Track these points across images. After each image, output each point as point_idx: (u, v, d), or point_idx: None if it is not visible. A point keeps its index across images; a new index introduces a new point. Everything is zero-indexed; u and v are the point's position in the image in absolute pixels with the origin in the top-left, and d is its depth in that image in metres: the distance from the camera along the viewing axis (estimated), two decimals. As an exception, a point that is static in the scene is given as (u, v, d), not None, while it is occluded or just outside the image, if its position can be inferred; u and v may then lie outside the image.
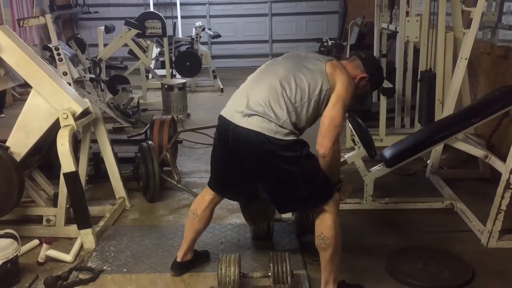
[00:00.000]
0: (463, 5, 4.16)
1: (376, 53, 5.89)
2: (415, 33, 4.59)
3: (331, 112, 2.22)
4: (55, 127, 3.13)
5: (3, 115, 6.57)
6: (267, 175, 2.34)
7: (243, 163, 2.36)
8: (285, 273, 2.41)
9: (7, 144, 3.06)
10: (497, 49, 4.42)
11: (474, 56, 4.42)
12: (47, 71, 3.19)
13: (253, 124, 2.24)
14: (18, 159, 3.03)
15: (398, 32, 5.03)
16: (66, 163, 2.98)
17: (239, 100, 2.35)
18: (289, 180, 2.30)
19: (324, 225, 2.34)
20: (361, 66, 2.45)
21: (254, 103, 2.27)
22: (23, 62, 3.10)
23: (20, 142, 3.08)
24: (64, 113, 3.02)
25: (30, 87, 3.17)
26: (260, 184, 2.43)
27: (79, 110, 3.14)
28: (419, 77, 4.75)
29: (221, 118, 2.40)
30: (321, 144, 2.20)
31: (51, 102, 3.08)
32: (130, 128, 5.76)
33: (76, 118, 3.12)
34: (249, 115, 2.26)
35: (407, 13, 4.87)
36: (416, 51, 4.94)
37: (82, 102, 3.25)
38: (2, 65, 3.29)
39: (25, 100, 3.10)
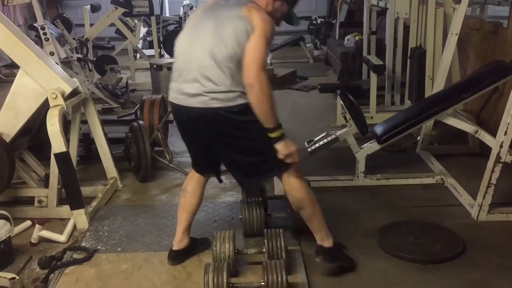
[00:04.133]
0: (454, -20, 4.15)
1: (365, 30, 5.88)
2: (405, 9, 4.58)
3: (253, 42, 2.12)
4: (44, 107, 3.09)
5: None
6: (229, 148, 2.33)
7: (207, 141, 2.35)
8: (279, 249, 2.44)
9: (-4, 125, 3.02)
10: (487, 24, 4.42)
11: (464, 32, 4.41)
12: (35, 50, 3.14)
13: (201, 101, 2.20)
14: (7, 140, 3.00)
15: (388, 8, 5.01)
16: (57, 144, 2.95)
17: (179, 83, 2.28)
18: (250, 148, 2.29)
19: (293, 188, 2.38)
20: None
21: (191, 80, 2.22)
22: (10, 41, 3.04)
23: (9, 123, 3.04)
24: (53, 93, 2.98)
25: (17, 68, 3.11)
26: (225, 160, 2.43)
27: (68, 90, 3.10)
28: (409, 54, 4.76)
29: (171, 104, 2.36)
30: (247, 74, 2.10)
31: (40, 82, 3.04)
32: (119, 109, 5.71)
33: (66, 98, 3.08)
34: (194, 95, 2.20)
35: (397, -11, 4.85)
36: (406, 27, 4.93)
37: (71, 81, 3.20)
38: (-13, 45, 3.22)
39: (11, 81, 3.05)
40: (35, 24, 4.93)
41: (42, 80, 3.04)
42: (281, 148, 2.22)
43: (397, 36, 5.09)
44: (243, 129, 2.25)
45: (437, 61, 4.29)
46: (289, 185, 2.38)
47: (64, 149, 2.96)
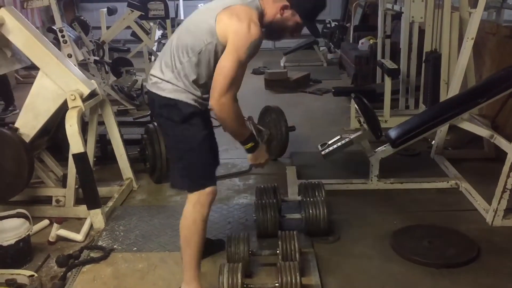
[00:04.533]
0: (470, -15, 4.14)
1: (380, 34, 5.88)
2: (420, 13, 4.59)
3: (220, 62, 2.03)
4: (63, 108, 3.15)
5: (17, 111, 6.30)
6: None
7: None
8: (293, 251, 2.46)
9: (16, 125, 3.08)
10: (503, 29, 4.40)
11: (480, 36, 4.39)
12: (54, 52, 3.20)
13: (150, 83, 2.24)
14: (27, 140, 3.06)
15: (403, 12, 5.01)
16: (75, 144, 3.00)
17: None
18: (168, 143, 2.35)
19: (184, 212, 2.24)
20: None
21: (155, 68, 2.25)
22: (30, 43, 3.10)
23: (29, 123, 3.10)
24: (72, 95, 3.04)
25: (34, 69, 3.18)
26: None
27: (86, 91, 3.15)
28: (424, 58, 4.75)
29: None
30: (211, 95, 2.05)
31: (59, 83, 3.09)
32: (135, 111, 5.78)
33: (84, 100, 3.13)
34: (152, 81, 2.23)
35: (413, -7, 4.84)
36: (421, 31, 4.92)
37: (89, 83, 3.26)
38: (8, 47, 3.30)
39: (29, 83, 3.10)
40: (53, 27, 5.01)
41: (61, 82, 3.10)
42: (250, 158, 2.32)
43: (412, 40, 5.08)
44: (164, 124, 2.26)
45: (452, 66, 4.27)
46: (187, 205, 2.24)
47: (82, 149, 3.01)
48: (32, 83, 3.20)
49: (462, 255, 2.66)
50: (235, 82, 2.03)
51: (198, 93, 2.18)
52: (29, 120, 3.10)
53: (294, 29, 2.22)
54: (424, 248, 2.73)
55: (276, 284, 2.25)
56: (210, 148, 2.30)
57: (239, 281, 2.21)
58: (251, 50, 2.03)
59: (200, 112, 2.21)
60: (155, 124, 3.83)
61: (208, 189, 2.21)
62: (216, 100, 2.03)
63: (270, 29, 2.20)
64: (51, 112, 3.12)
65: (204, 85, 2.17)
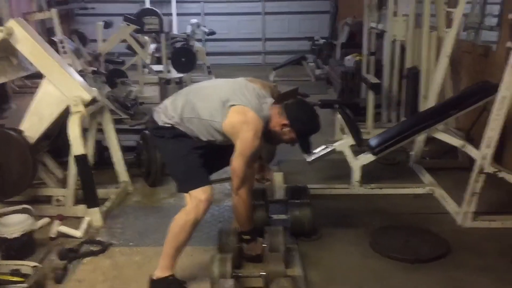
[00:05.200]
0: (446, 6, 4.44)
1: (365, 51, 6.18)
2: (402, 32, 4.90)
3: (233, 164, 2.45)
4: (64, 114, 3.36)
5: (11, 105, 6.45)
6: None
7: None
8: (279, 243, 2.67)
9: (21, 128, 3.28)
10: (478, 48, 4.71)
11: (457, 55, 4.70)
12: (58, 60, 3.42)
13: (155, 113, 2.65)
14: (31, 142, 3.25)
15: (386, 31, 5.32)
16: (77, 147, 3.21)
17: None
18: (165, 161, 2.75)
19: (184, 210, 2.49)
20: (284, 113, 2.54)
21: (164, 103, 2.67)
22: (36, 52, 3.32)
23: (33, 126, 3.30)
24: (74, 100, 3.25)
25: (30, 79, 3.36)
26: None
27: (88, 98, 3.37)
28: (405, 73, 5.04)
29: None
30: (233, 187, 2.51)
31: (62, 90, 3.31)
32: (129, 120, 5.97)
33: (85, 106, 3.35)
34: (158, 111, 2.64)
35: (395, 13, 5.17)
36: (403, 49, 5.22)
37: (91, 90, 3.47)
38: (15, 55, 3.52)
39: (25, 92, 3.30)
40: (54, 38, 5.23)
41: (65, 88, 3.31)
42: (246, 248, 2.72)
43: (395, 57, 5.38)
44: (159, 141, 2.66)
45: (430, 81, 4.57)
46: (185, 208, 2.49)
47: (83, 151, 3.22)
48: (27, 92, 3.41)
49: (434, 252, 2.90)
50: (245, 178, 2.48)
51: (192, 135, 2.55)
52: (33, 123, 3.30)
53: (289, 141, 2.63)
54: (400, 246, 2.97)
55: (263, 273, 2.46)
56: (199, 159, 2.55)
57: (229, 270, 2.42)
58: (254, 153, 2.47)
59: (192, 138, 2.55)
60: (151, 130, 4.06)
61: (201, 191, 2.45)
62: (235, 193, 2.52)
63: (272, 135, 2.58)
64: (54, 116, 3.32)
65: (197, 137, 2.55)
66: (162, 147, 2.70)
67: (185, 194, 2.49)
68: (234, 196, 2.54)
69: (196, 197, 2.44)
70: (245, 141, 2.41)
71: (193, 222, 2.45)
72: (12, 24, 3.27)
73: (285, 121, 2.52)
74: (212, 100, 2.51)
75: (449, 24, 4.18)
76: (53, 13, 4.63)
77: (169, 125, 2.54)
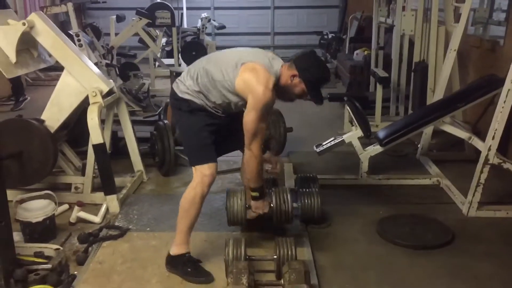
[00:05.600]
0: (454, 1, 4.51)
1: (374, 45, 6.26)
2: (410, 27, 4.96)
3: (244, 118, 2.53)
4: (82, 106, 3.49)
5: (27, 97, 6.63)
6: None
7: None
8: (286, 202, 2.86)
9: (42, 117, 3.41)
10: (485, 42, 4.78)
11: (465, 49, 4.78)
12: (78, 53, 3.55)
13: (175, 84, 2.75)
14: (52, 131, 3.39)
15: (394, 25, 5.40)
16: (95, 136, 3.34)
17: None
18: (179, 131, 2.85)
19: (191, 185, 2.65)
20: (293, 65, 2.58)
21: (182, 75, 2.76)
22: (57, 45, 3.45)
23: (54, 116, 3.43)
24: (93, 91, 3.38)
25: (45, 71, 3.47)
26: None
27: (105, 89, 3.50)
28: (413, 67, 5.12)
29: None
30: (245, 142, 2.59)
31: (81, 81, 3.44)
32: (141, 112, 6.11)
33: (103, 97, 3.47)
34: (177, 82, 2.76)
35: (404, 8, 5.24)
36: (411, 43, 5.30)
37: (108, 82, 3.60)
38: (36, 48, 3.65)
39: (38, 85, 3.41)
40: (70, 32, 5.36)
41: (84, 80, 3.44)
42: (253, 205, 2.79)
43: (403, 51, 5.46)
44: (176, 112, 2.76)
45: (438, 75, 4.64)
46: (192, 181, 2.65)
47: (101, 140, 3.35)
48: (41, 85, 3.54)
49: (439, 239, 3.01)
50: (258, 133, 2.55)
51: (208, 102, 2.66)
52: (54, 113, 3.43)
53: (300, 94, 2.65)
54: (405, 233, 3.08)
55: (275, 256, 2.58)
56: (210, 136, 2.68)
57: (243, 252, 2.54)
58: (266, 107, 2.53)
59: (207, 111, 2.66)
60: (165, 122, 4.19)
61: (207, 167, 2.61)
62: (247, 148, 2.60)
63: (283, 91, 2.63)
64: (74, 107, 3.46)
65: (214, 102, 2.65)
66: (178, 119, 2.79)
67: (193, 168, 2.66)
68: (246, 151, 2.61)
69: (202, 172, 2.61)
70: (256, 95, 2.48)
71: (200, 195, 2.62)
72: (33, 17, 3.40)
73: (294, 72, 2.57)
74: (224, 63, 2.61)
75: (457, 18, 4.26)
76: (69, 7, 4.77)
77: (187, 98, 2.64)
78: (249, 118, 2.51)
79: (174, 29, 7.29)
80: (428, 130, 4.20)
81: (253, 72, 2.52)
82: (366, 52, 7.03)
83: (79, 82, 3.44)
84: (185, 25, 9.96)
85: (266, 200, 2.81)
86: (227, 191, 2.88)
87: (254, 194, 2.74)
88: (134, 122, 4.91)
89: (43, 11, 5.06)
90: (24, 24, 3.32)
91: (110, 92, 3.64)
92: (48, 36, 3.43)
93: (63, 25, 8.52)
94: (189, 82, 2.66)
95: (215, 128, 2.71)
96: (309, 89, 2.60)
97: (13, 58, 3.35)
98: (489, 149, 3.22)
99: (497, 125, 3.19)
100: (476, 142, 3.52)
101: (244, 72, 2.53)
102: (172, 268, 2.69)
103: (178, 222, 2.70)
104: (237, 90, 2.56)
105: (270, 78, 2.52)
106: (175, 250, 2.69)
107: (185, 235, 2.68)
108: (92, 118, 3.32)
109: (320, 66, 2.65)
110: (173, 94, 2.73)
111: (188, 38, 8.99)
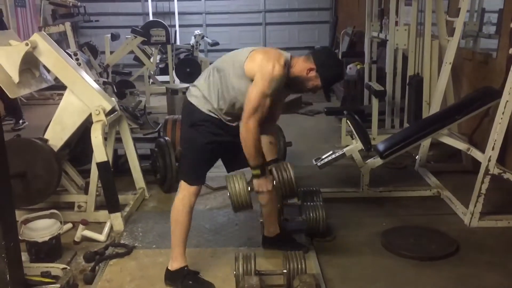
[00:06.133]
0: (447, 16, 4.63)
1: (367, 59, 6.36)
2: (403, 41, 5.06)
3: (248, 92, 2.48)
4: (84, 124, 3.50)
5: (26, 122, 6.50)
6: None
7: None
8: (289, 177, 2.68)
9: (46, 137, 3.42)
10: (478, 55, 4.88)
11: (458, 62, 4.87)
12: (80, 72, 3.57)
13: (188, 90, 2.76)
14: (55, 150, 3.39)
15: (388, 40, 5.50)
16: (99, 154, 3.35)
17: None
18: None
19: (178, 197, 2.72)
20: (311, 58, 2.57)
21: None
22: (59, 65, 3.47)
23: (57, 135, 3.44)
24: (96, 110, 3.40)
25: (39, 91, 3.45)
26: None
27: (108, 107, 3.51)
28: (407, 81, 5.21)
29: None
30: (242, 118, 2.52)
31: (84, 100, 3.45)
32: (138, 129, 6.12)
33: (106, 115, 3.49)
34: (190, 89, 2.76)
35: (396, 23, 5.34)
36: (405, 57, 5.39)
37: (110, 100, 3.62)
38: (37, 67, 3.67)
39: (32, 104, 3.40)
40: (67, 51, 5.39)
41: (86, 99, 3.46)
42: (255, 184, 2.64)
43: (397, 65, 5.55)
44: (182, 121, 2.78)
45: (433, 88, 4.73)
46: (178, 193, 2.73)
47: (105, 158, 3.36)
48: (35, 104, 3.55)
49: (443, 250, 3.04)
50: (259, 109, 2.48)
51: (215, 105, 2.61)
52: (57, 132, 3.44)
53: (313, 88, 2.64)
54: (410, 244, 3.11)
55: (284, 270, 2.59)
56: (210, 156, 2.71)
57: (253, 267, 2.55)
58: (273, 84, 2.47)
59: (213, 121, 2.63)
60: (166, 138, 4.21)
61: (194, 187, 2.69)
62: (244, 122, 2.50)
63: (294, 82, 2.61)
64: (77, 125, 3.46)
65: (219, 104, 2.60)
66: (184, 130, 2.75)
67: (181, 180, 2.73)
68: (242, 127, 2.51)
69: (187, 189, 2.69)
70: (266, 69, 2.45)
71: (189, 205, 2.69)
72: (36, 37, 3.42)
73: (312, 66, 2.55)
74: (235, 56, 2.61)
75: (450, 32, 4.35)
76: (66, 26, 4.80)
77: (194, 102, 2.63)
78: (254, 91, 2.46)
79: (169, 47, 7.36)
80: (426, 142, 4.26)
81: (264, 53, 2.53)
82: (359, 66, 7.13)
83: (82, 100, 3.46)
84: (178, 42, 10.04)
85: (267, 177, 2.66)
86: (226, 176, 2.70)
87: (255, 172, 2.60)
88: (134, 140, 4.95)
89: (41, 31, 5.09)
90: (27, 44, 3.34)
91: (113, 110, 3.66)
92: (50, 56, 3.46)
93: (58, 44, 8.53)
94: (201, 81, 2.66)
95: (220, 146, 2.69)
96: (324, 85, 2.61)
97: (16, 78, 3.36)
98: (489, 160, 3.28)
99: (496, 136, 3.26)
100: (475, 153, 3.58)
101: (255, 53, 2.53)
102: (172, 283, 2.71)
103: (172, 235, 2.74)
104: (246, 71, 2.50)
105: (281, 56, 2.51)
106: (174, 265, 2.72)
107: (181, 248, 2.72)
108: (96, 137, 3.34)
109: (338, 64, 2.70)
110: (185, 99, 2.73)
111: (181, 55, 9.06)
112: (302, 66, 2.57)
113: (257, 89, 2.45)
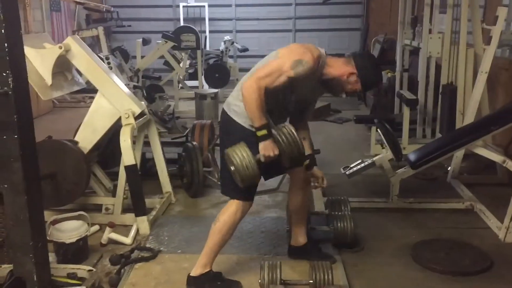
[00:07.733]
0: (483, 24, 4.50)
1: (398, 68, 6.25)
2: (437, 49, 4.95)
3: (268, 63, 2.45)
4: (114, 127, 3.53)
5: None
6: None
7: None
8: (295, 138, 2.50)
9: (76, 139, 3.46)
10: (515, 65, 4.74)
11: (493, 71, 4.72)
12: (111, 76, 3.61)
13: (225, 104, 2.69)
14: (85, 152, 3.43)
15: (420, 48, 5.39)
16: (128, 157, 3.37)
17: None
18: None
19: (227, 212, 2.64)
20: (352, 62, 2.54)
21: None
22: (91, 68, 3.52)
23: (87, 138, 3.48)
24: (126, 113, 3.43)
25: (71, 93, 3.49)
26: None
27: (138, 111, 3.54)
28: (440, 90, 5.09)
29: None
30: (245, 80, 2.48)
31: (114, 103, 3.49)
32: (166, 133, 6.16)
33: (135, 118, 3.51)
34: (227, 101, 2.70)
35: (430, 31, 5.24)
36: (438, 66, 5.27)
37: (140, 104, 3.64)
38: (70, 70, 3.72)
39: (64, 107, 3.45)
40: (100, 55, 5.47)
41: (117, 102, 3.49)
42: (260, 148, 2.45)
43: (429, 73, 5.44)
44: (222, 136, 2.72)
45: (467, 97, 4.60)
46: (227, 208, 2.65)
47: (133, 161, 3.37)
48: (67, 107, 3.59)
49: (477, 265, 2.93)
50: (269, 78, 2.40)
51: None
52: (87, 135, 3.48)
53: (350, 91, 2.61)
54: (441, 258, 3.01)
55: (310, 281, 2.54)
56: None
57: (278, 276, 2.51)
58: (299, 69, 2.40)
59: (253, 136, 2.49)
60: (193, 143, 4.21)
61: (247, 203, 2.65)
62: (250, 81, 2.42)
63: (331, 83, 2.57)
64: (107, 128, 3.50)
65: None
66: (228, 146, 2.52)
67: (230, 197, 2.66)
68: (247, 87, 2.41)
69: (242, 205, 2.63)
70: (295, 52, 2.43)
71: (239, 220, 2.67)
72: (69, 41, 3.48)
73: (354, 70, 2.51)
74: (264, 59, 2.58)
75: (487, 41, 4.23)
76: (99, 31, 4.89)
77: (233, 117, 2.57)
78: (273, 62, 2.44)
79: (198, 52, 7.40)
80: (459, 153, 4.14)
81: (299, 43, 2.55)
82: (389, 74, 7.02)
83: (112, 104, 3.49)
84: (208, 48, 10.10)
85: (271, 141, 2.46)
86: (225, 151, 2.49)
87: (261, 133, 2.43)
88: (162, 144, 4.98)
89: (74, 35, 5.17)
90: (60, 47, 3.40)
91: (142, 114, 3.68)
92: (83, 59, 3.50)
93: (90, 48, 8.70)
94: (236, 93, 2.59)
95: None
96: (363, 89, 2.60)
97: (49, 80, 3.41)
98: (526, 173, 3.16)
99: (534, 148, 3.13)
100: (511, 166, 3.45)
101: (290, 44, 2.55)
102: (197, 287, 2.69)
103: (210, 244, 2.68)
104: (280, 53, 2.48)
105: (317, 50, 2.49)
106: (199, 271, 2.69)
107: (212, 258, 2.71)
108: (125, 140, 3.36)
109: (378, 69, 2.69)
110: (223, 114, 2.67)
111: (211, 61, 9.11)
112: (342, 69, 2.53)
113: (278, 62, 2.43)
